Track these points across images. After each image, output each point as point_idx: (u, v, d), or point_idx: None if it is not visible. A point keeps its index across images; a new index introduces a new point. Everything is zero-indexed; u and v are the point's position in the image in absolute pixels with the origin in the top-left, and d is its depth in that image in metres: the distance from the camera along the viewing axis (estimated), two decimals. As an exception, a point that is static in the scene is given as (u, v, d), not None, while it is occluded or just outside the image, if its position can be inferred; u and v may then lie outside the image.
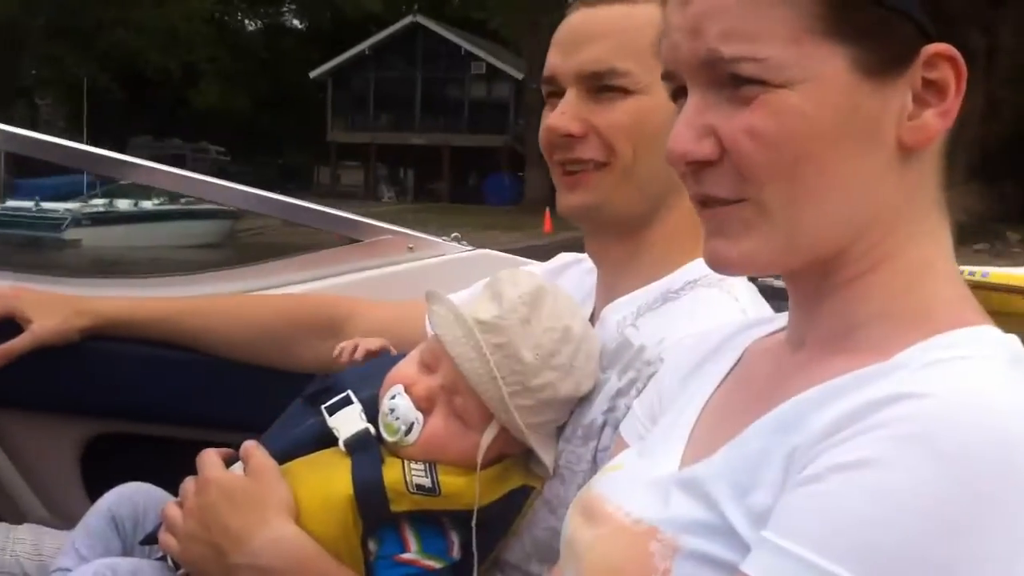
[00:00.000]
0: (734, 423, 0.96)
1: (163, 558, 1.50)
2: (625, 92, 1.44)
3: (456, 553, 1.40)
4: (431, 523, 1.41)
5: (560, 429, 1.46)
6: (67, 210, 25.36)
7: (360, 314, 1.98)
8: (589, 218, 1.50)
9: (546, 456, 1.42)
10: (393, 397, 1.43)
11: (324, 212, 2.38)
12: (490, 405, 1.39)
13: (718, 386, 1.08)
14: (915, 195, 0.93)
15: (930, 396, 0.79)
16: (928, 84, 0.90)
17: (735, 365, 1.09)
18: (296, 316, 2.03)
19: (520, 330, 1.39)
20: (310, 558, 1.35)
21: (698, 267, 1.43)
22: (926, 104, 0.90)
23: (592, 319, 1.56)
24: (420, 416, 1.41)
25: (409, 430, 1.41)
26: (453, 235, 2.31)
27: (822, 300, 0.97)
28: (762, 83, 0.89)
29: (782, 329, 1.06)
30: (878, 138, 0.90)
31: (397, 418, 1.41)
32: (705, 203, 0.95)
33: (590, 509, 1.05)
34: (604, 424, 1.39)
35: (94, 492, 2.14)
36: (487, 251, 2.26)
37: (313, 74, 45.69)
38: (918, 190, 0.93)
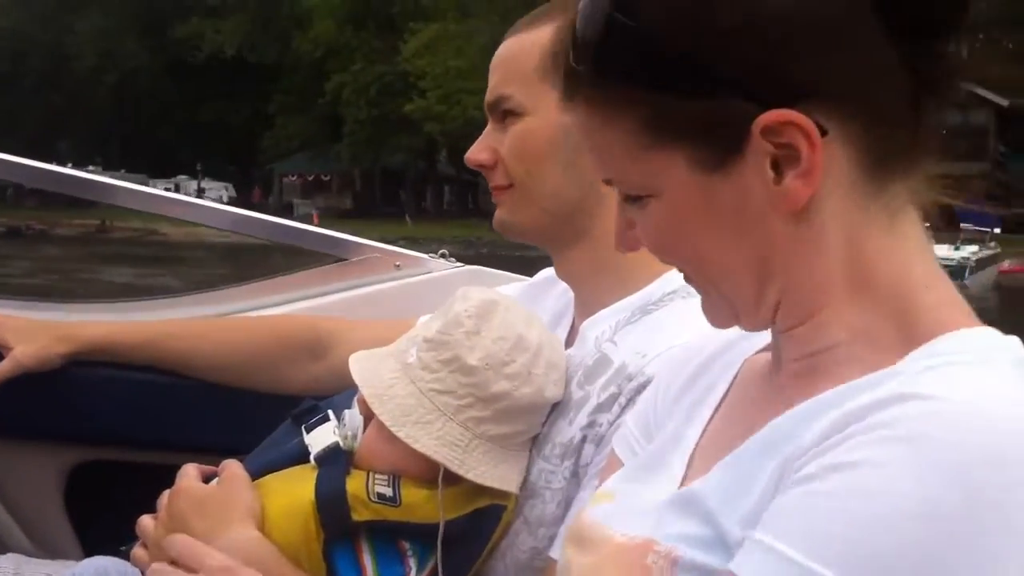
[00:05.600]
0: (730, 445, 0.94)
1: None
2: (515, 115, 1.50)
3: None
4: (390, 548, 1.40)
5: (537, 447, 1.44)
6: (966, 257, 23.58)
7: (345, 334, 1.95)
8: (506, 233, 1.57)
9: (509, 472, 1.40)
10: (350, 408, 1.45)
11: (309, 231, 2.35)
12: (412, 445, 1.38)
13: (717, 408, 1.06)
14: (843, 229, 0.90)
15: (928, 398, 0.77)
16: (781, 147, 0.87)
17: (731, 385, 1.07)
18: (281, 338, 2.00)
19: (466, 342, 1.39)
20: (267, 562, 1.35)
21: (675, 279, 1.42)
22: (787, 167, 0.87)
23: (572, 335, 1.56)
24: (362, 422, 1.43)
25: (355, 437, 1.42)
26: (440, 252, 2.28)
27: (790, 334, 0.95)
28: (638, 198, 0.95)
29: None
30: (754, 215, 0.90)
31: (345, 425, 1.43)
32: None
33: (583, 537, 1.02)
34: (584, 440, 1.38)
35: (77, 522, 2.13)
36: (474, 267, 2.23)
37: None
38: (844, 222, 0.90)
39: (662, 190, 0.92)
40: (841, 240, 0.90)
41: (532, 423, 1.44)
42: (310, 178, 54.68)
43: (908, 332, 0.88)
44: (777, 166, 0.87)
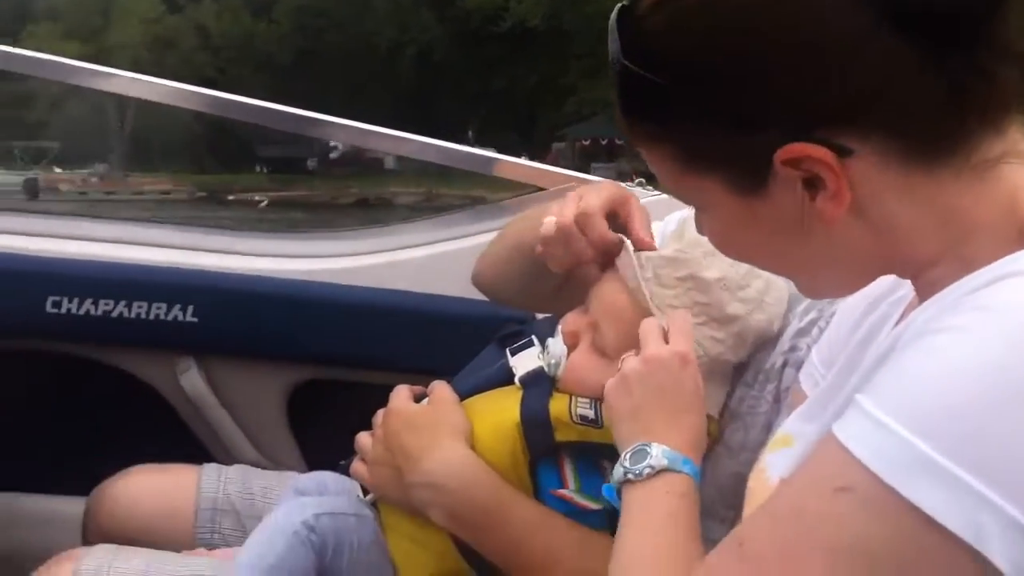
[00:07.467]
0: None
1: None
2: None
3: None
4: (592, 466, 1.43)
5: (740, 373, 1.44)
6: None
7: None
8: None
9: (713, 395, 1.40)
10: (554, 337, 1.48)
11: (510, 161, 2.41)
12: None
13: None
14: (913, 206, 0.89)
15: (1020, 274, 0.79)
16: (807, 172, 0.87)
17: (899, 320, 1.05)
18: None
19: (703, 261, 1.39)
20: (479, 477, 1.41)
21: None
22: (819, 189, 0.87)
23: None
24: (566, 351, 1.46)
25: (558, 365, 1.45)
26: (637, 180, 2.29)
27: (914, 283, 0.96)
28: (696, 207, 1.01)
29: None
30: (804, 226, 0.90)
31: (549, 353, 1.47)
32: None
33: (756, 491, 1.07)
34: (784, 364, 1.37)
35: (299, 435, 2.29)
36: (671, 197, 2.22)
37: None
38: (912, 201, 0.88)
39: (709, 207, 0.97)
40: (916, 214, 0.89)
41: (747, 352, 1.43)
42: (603, 142, 54.60)
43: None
44: (812, 183, 0.88)
